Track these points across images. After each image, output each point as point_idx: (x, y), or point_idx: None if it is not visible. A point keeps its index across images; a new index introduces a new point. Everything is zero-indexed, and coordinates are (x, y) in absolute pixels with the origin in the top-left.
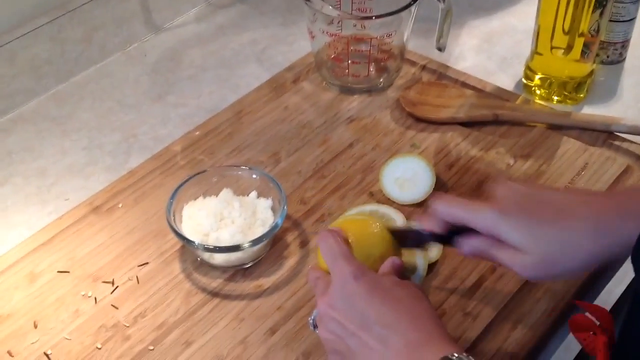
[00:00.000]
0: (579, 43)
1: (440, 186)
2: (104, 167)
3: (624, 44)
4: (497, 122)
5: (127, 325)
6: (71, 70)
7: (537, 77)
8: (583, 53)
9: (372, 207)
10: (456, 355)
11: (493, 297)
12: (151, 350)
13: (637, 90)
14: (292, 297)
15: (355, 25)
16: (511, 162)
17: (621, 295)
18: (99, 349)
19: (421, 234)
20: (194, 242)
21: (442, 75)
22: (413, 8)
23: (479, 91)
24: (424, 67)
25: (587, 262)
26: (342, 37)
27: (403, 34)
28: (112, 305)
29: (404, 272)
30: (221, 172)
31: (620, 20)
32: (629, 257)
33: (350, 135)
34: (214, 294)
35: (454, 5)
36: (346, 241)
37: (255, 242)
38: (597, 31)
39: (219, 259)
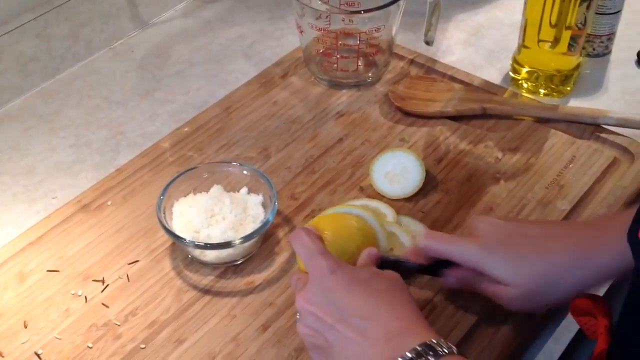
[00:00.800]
0: (565, 36)
1: (429, 180)
2: (92, 164)
3: (610, 37)
4: (485, 115)
5: (118, 323)
6: (57, 67)
7: (524, 70)
8: (570, 46)
9: (363, 201)
10: (434, 341)
11: None
12: (143, 348)
13: (623, 83)
14: (283, 293)
15: (343, 20)
16: (500, 155)
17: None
18: (90, 348)
19: (408, 265)
20: (184, 239)
21: (430, 69)
22: (401, 2)
23: (466, 85)
24: (412, 61)
25: (568, 293)
26: (331, 31)
27: (391, 28)
28: (102, 303)
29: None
30: (211, 169)
31: (606, 12)
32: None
33: (339, 130)
34: (205, 291)
35: None
36: (320, 238)
37: (246, 238)
38: (584, 24)
39: (210, 255)
